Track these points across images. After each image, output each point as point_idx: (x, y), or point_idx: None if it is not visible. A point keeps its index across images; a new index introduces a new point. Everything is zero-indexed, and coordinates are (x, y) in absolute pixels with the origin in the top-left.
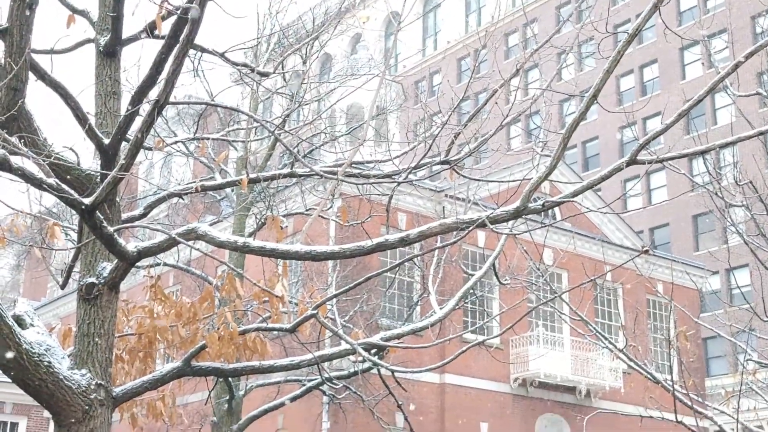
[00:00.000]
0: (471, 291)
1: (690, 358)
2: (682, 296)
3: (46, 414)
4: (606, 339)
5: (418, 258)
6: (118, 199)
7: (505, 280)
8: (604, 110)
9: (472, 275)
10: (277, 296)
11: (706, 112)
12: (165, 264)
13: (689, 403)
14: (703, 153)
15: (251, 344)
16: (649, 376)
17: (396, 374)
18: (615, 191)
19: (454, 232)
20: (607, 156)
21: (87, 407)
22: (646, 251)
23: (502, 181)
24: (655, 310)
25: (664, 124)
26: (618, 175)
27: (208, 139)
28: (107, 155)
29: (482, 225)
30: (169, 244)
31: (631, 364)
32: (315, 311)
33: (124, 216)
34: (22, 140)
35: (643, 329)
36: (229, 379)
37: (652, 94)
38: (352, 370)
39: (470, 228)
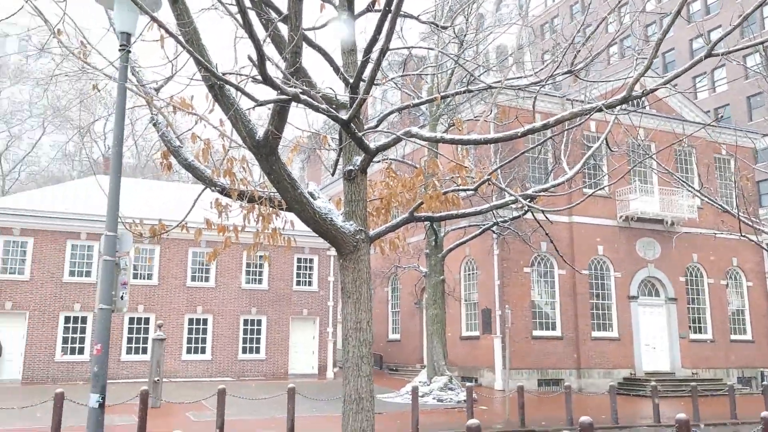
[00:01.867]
0: (590, 157)
1: (749, 193)
2: (741, 152)
3: (329, 252)
4: (685, 183)
5: (553, 138)
6: (360, 117)
7: (615, 148)
8: (684, 20)
9: (591, 146)
10: (465, 167)
11: (757, 22)
12: (391, 159)
13: (749, 223)
14: (762, 43)
15: (450, 200)
16: (718, 205)
17: (541, 216)
18: (688, 85)
19: (578, 118)
20: (681, 62)
21: (355, 243)
22: (718, 119)
23: (608, 81)
24: (721, 164)
25: (732, 25)
26: (689, 73)
27: (410, 75)
28: (353, 89)
29: (599, 110)
30: (395, 141)
31: (705, 198)
32: (488, 177)
33: (365, 127)
34: (303, 84)
35: (712, 179)
36: (434, 225)
37: (714, 13)
38: (513, 215)
39: (591, 112)
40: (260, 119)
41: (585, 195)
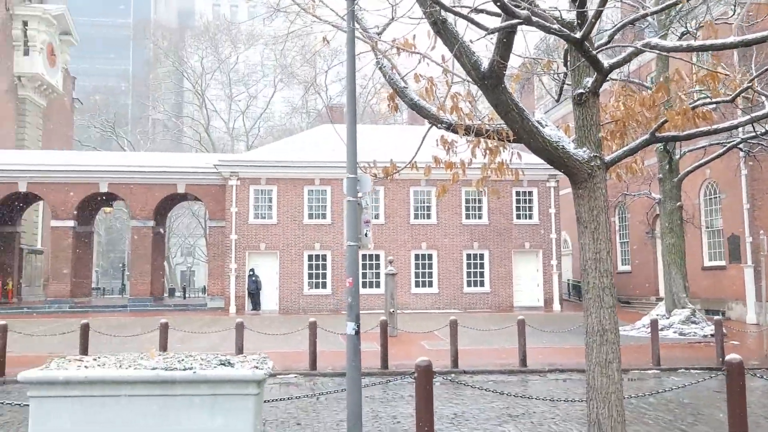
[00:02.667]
0: None
1: None
2: None
3: (548, 184)
4: None
5: None
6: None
7: None
8: None
9: None
10: (721, 73)
11: None
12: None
13: None
14: None
15: (700, 115)
16: None
17: None
18: None
19: None
20: None
21: (589, 171)
22: None
23: None
24: None
25: None
26: None
27: None
28: (581, 5)
29: None
30: (632, 55)
31: None
32: (749, 84)
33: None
34: (530, 4)
35: None
36: (668, 147)
37: None
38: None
39: None
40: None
41: None
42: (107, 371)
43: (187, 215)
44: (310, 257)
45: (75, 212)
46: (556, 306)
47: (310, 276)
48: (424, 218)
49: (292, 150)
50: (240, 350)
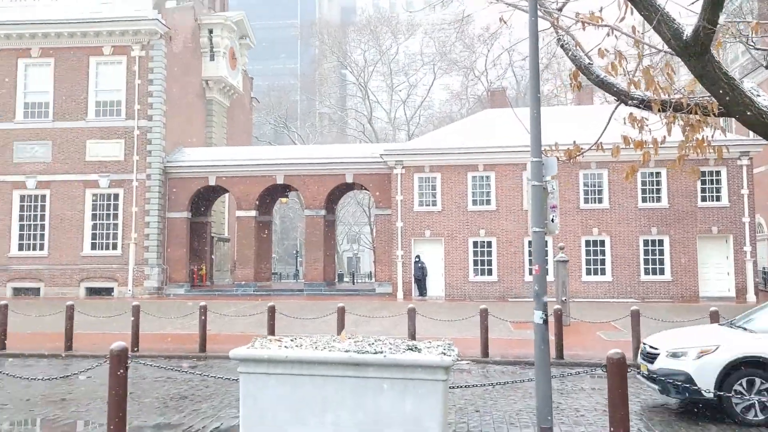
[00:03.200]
0: None
1: None
2: None
3: (739, 162)
4: None
5: None
6: None
7: None
8: None
9: None
10: None
11: None
12: None
13: None
14: None
15: None
16: None
17: None
18: None
19: None
20: None
21: None
22: None
23: None
24: None
25: None
26: None
27: None
28: None
29: None
30: None
31: None
32: None
33: None
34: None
35: None
36: None
37: None
38: None
39: None
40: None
41: None
42: (306, 352)
43: (352, 204)
44: (475, 244)
45: (256, 203)
46: (751, 296)
47: (475, 263)
48: (594, 203)
49: (454, 136)
50: (412, 336)
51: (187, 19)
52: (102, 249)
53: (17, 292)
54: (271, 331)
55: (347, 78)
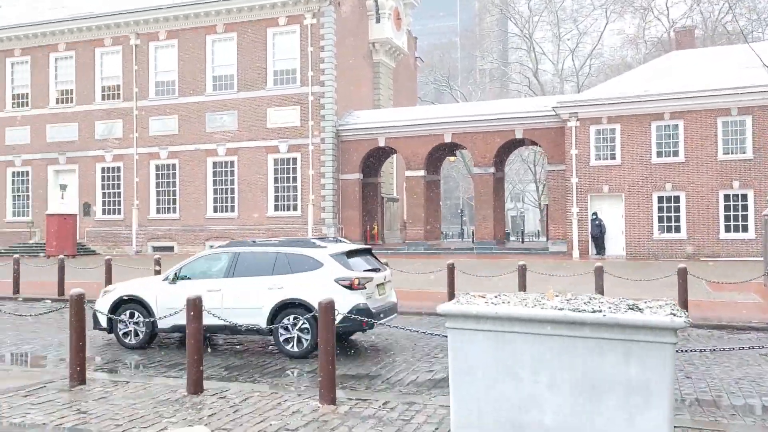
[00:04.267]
0: None
1: None
2: None
3: None
4: None
5: None
6: None
7: None
8: None
9: None
10: None
11: None
12: None
13: None
14: None
15: None
16: None
17: None
18: None
19: None
20: None
21: None
22: None
23: None
24: None
25: None
26: None
27: None
28: None
29: None
30: None
31: None
32: None
33: None
34: None
35: None
36: None
37: None
38: None
39: None
40: None
41: None
42: (516, 309)
43: (516, 161)
44: (659, 199)
45: (425, 162)
46: None
47: (660, 219)
48: None
49: (635, 83)
50: (601, 294)
51: None
52: (283, 210)
53: None
54: (451, 288)
55: (509, 30)
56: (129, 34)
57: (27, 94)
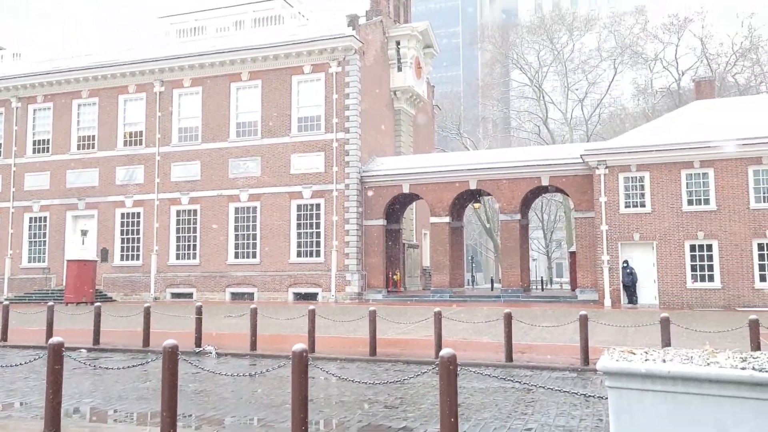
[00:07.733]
0: None
1: None
2: None
3: None
4: None
5: None
6: None
7: None
8: None
9: None
10: None
11: None
12: None
13: None
14: None
15: None
16: None
17: None
18: None
19: None
20: None
21: None
22: None
23: None
24: None
25: None
26: None
27: None
28: None
29: None
30: None
31: None
32: None
33: None
34: None
35: None
36: None
37: None
38: None
39: None
40: None
41: None
42: (693, 368)
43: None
44: (692, 247)
45: (449, 209)
46: None
47: (693, 268)
48: None
49: (661, 132)
50: (668, 345)
51: (376, 33)
52: (306, 256)
53: (234, 296)
54: (508, 339)
55: (516, 80)
56: (153, 81)
57: (48, 140)
